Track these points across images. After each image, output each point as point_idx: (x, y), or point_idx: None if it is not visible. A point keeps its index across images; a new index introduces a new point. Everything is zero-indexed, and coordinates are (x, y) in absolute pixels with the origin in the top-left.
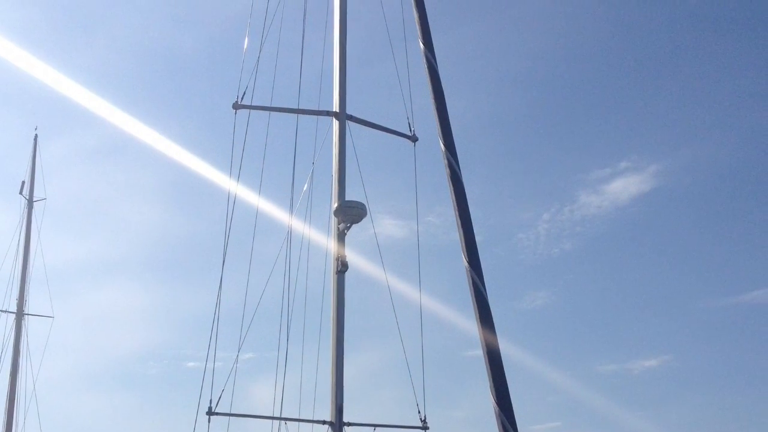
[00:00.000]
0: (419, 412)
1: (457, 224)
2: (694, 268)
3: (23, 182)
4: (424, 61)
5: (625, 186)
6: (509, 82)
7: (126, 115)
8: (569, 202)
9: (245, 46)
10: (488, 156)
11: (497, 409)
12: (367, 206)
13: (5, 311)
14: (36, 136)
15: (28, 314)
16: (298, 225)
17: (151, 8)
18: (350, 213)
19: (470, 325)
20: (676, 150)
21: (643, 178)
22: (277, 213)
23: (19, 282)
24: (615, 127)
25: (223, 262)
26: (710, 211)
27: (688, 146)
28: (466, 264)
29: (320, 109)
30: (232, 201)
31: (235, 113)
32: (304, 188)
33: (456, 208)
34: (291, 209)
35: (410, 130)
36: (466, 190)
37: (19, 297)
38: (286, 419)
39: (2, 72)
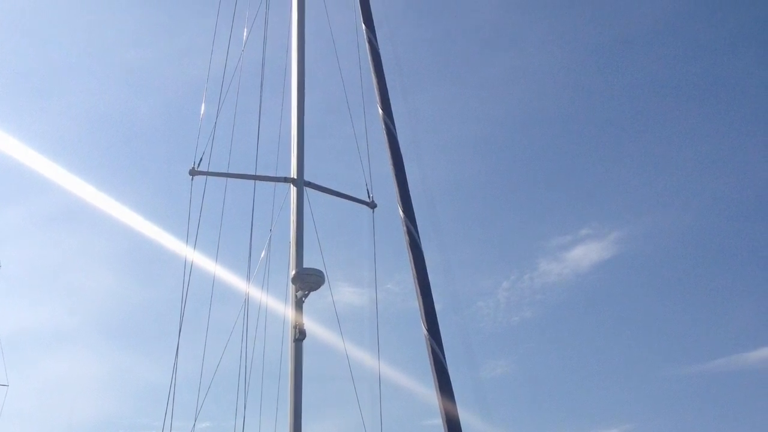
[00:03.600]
0: None
1: (416, 292)
2: (656, 336)
3: None
4: (383, 126)
5: (585, 253)
6: (469, 148)
7: (81, 181)
8: (529, 270)
9: (202, 112)
10: (447, 223)
11: None
12: (325, 274)
13: None
14: None
15: None
16: (256, 292)
17: (106, 74)
18: (308, 280)
19: (430, 394)
20: (637, 217)
21: (604, 245)
22: (234, 280)
23: None
24: (575, 194)
25: (180, 330)
26: (672, 279)
27: (649, 213)
28: (425, 332)
29: (278, 175)
30: (188, 268)
31: (192, 179)
32: (262, 255)
33: (415, 275)
34: (248, 277)
35: (369, 197)
36: (425, 257)
37: None
38: None
39: None
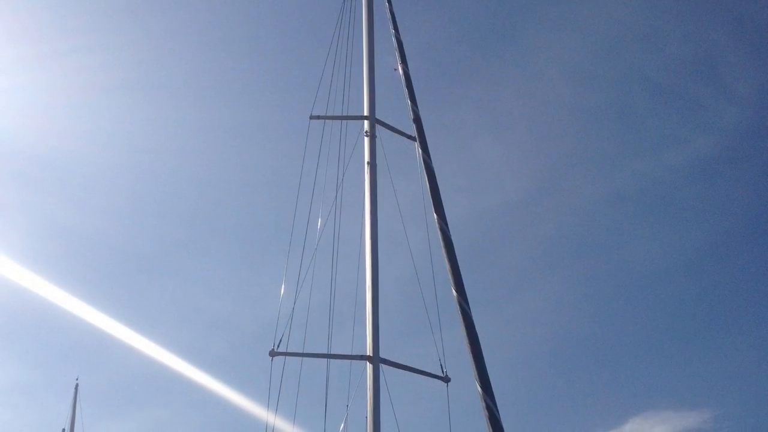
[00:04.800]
0: None
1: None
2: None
3: None
4: (458, 307)
5: None
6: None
7: (173, 356)
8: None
9: (281, 294)
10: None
11: None
12: None
13: None
14: None
15: None
16: None
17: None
18: None
19: None
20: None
21: None
22: None
23: None
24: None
25: None
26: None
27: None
28: None
29: (353, 353)
30: None
31: (272, 360)
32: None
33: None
34: None
35: (442, 371)
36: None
37: None
38: None
39: None
